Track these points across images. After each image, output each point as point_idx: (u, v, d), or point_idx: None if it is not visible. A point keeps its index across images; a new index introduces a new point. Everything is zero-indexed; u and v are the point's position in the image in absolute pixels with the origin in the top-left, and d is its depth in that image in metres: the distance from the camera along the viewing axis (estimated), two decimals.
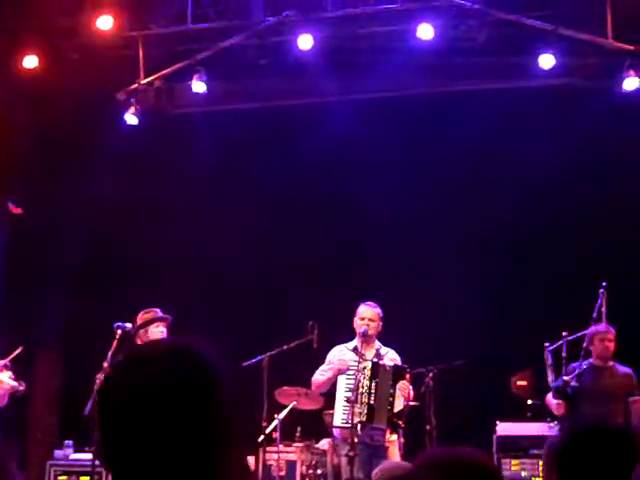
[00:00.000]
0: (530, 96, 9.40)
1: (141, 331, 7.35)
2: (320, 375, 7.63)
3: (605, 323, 7.69)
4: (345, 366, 7.40)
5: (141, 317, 7.42)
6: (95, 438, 7.04)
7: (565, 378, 7.50)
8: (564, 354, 7.60)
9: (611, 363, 7.74)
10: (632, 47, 8.71)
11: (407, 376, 7.40)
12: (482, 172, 9.77)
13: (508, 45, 9.22)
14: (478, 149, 9.60)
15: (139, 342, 7.37)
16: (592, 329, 7.65)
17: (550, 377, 7.65)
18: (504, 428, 8.32)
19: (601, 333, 7.63)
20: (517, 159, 9.38)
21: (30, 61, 9.45)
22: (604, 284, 7.69)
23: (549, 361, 7.67)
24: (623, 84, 8.87)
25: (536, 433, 8.09)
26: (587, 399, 7.46)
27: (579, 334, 7.74)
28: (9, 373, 7.64)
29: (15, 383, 7.60)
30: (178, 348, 1.68)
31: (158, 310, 7.49)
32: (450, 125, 9.49)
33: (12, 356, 7.64)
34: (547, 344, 7.70)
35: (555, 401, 7.55)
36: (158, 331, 7.29)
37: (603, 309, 7.70)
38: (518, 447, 8.17)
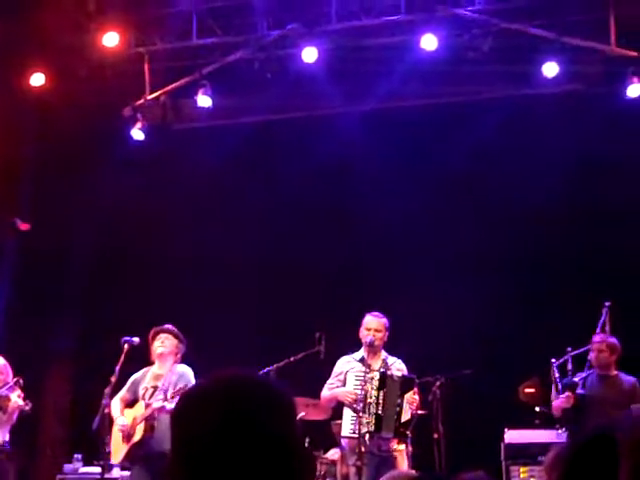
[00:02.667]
0: (534, 104, 9.42)
1: (151, 347, 7.49)
2: (327, 390, 7.63)
3: (602, 333, 7.77)
4: (348, 401, 7.36)
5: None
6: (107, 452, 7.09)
7: (575, 379, 7.55)
8: (569, 367, 7.65)
9: (615, 372, 7.73)
10: (636, 53, 8.74)
11: (415, 388, 7.38)
12: (487, 181, 9.74)
13: (512, 54, 9.22)
14: (483, 158, 9.60)
15: (152, 357, 7.47)
16: (591, 339, 7.72)
17: (554, 394, 7.66)
18: (512, 435, 8.27)
19: (595, 343, 7.72)
20: (521, 168, 9.38)
21: (37, 79, 9.54)
22: (607, 303, 7.78)
23: (556, 375, 7.69)
24: (627, 91, 8.90)
25: (545, 440, 8.01)
26: (592, 406, 7.46)
27: (583, 349, 7.78)
28: (18, 392, 7.70)
29: (22, 402, 7.66)
30: (249, 383, 1.67)
31: (169, 326, 7.54)
32: (454, 135, 9.50)
33: (15, 379, 7.71)
34: (553, 360, 7.73)
35: (564, 395, 7.50)
36: (157, 345, 7.41)
37: (607, 327, 7.82)
38: (526, 454, 8.12)
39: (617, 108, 8.95)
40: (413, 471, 7.31)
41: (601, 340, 7.71)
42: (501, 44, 9.14)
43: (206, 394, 1.65)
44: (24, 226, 9.85)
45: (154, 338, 7.48)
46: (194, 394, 1.69)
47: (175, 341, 7.50)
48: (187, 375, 7.26)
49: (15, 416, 7.69)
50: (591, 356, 7.71)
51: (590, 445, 2.30)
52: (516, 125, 9.49)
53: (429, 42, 8.99)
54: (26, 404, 7.67)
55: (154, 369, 7.46)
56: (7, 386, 7.65)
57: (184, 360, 7.51)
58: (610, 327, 7.90)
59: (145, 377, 7.44)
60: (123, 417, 7.35)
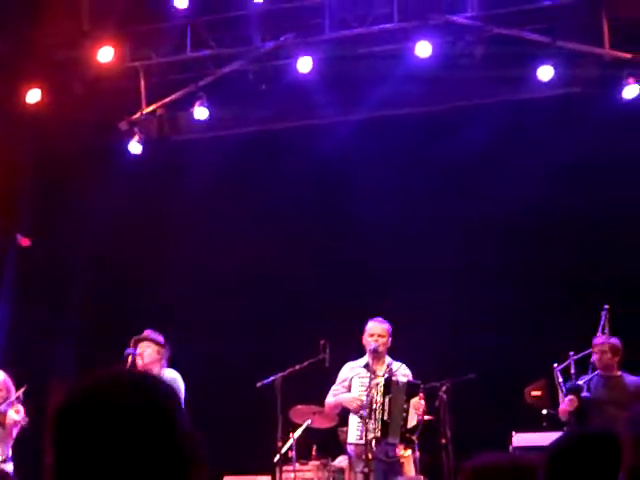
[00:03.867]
0: (529, 108, 9.44)
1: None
2: (332, 396, 7.63)
3: (604, 335, 7.78)
4: (353, 407, 7.37)
5: None
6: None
7: (579, 382, 7.58)
8: (572, 370, 7.67)
9: (618, 373, 7.72)
10: (630, 55, 8.76)
11: (421, 393, 7.37)
12: (486, 187, 9.73)
13: (506, 59, 9.25)
14: (480, 164, 9.61)
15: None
16: (593, 342, 7.74)
17: (561, 398, 7.67)
18: (520, 439, 8.23)
19: (596, 345, 7.73)
20: (518, 172, 9.39)
21: (33, 95, 9.55)
22: (606, 306, 7.85)
23: (559, 379, 7.70)
24: (623, 92, 8.92)
25: None
26: (596, 408, 7.46)
27: (585, 352, 7.80)
28: (17, 407, 7.61)
29: (18, 417, 7.55)
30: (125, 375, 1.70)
31: (149, 332, 7.47)
32: (450, 141, 9.49)
33: (16, 395, 7.63)
34: (555, 365, 7.74)
35: (568, 397, 7.51)
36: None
37: (606, 330, 7.84)
38: None
39: (613, 110, 8.97)
40: (421, 477, 7.30)
41: (603, 342, 7.72)
42: (495, 50, 9.17)
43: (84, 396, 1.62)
44: (25, 242, 9.82)
45: (135, 348, 7.38)
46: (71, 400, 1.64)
47: (156, 347, 7.38)
48: (177, 382, 7.05)
49: (14, 432, 7.58)
50: (594, 358, 7.72)
51: (574, 445, 2.32)
52: (512, 129, 9.51)
53: (423, 49, 9.01)
54: (23, 419, 7.57)
55: None
56: (7, 402, 7.55)
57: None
58: (610, 329, 7.93)
59: None
60: None
